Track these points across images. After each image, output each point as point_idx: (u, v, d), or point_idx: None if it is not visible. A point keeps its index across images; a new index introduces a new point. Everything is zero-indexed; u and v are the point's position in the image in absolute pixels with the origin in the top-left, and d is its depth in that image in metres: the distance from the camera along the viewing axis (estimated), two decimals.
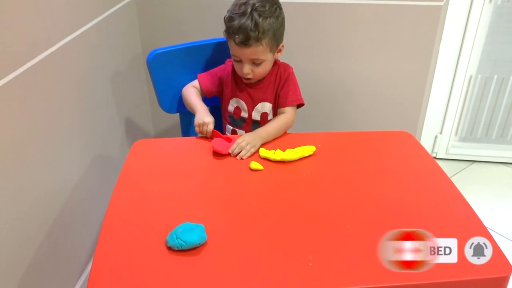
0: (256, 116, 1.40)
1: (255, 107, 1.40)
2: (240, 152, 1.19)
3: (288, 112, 1.36)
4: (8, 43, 1.04)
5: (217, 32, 1.42)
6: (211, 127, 1.25)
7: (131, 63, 1.81)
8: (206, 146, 1.22)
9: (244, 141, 1.20)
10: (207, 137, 1.26)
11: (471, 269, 0.84)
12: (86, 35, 1.41)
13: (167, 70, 1.45)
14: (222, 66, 1.44)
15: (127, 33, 1.76)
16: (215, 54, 1.52)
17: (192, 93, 1.40)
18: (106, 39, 1.57)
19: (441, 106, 2.17)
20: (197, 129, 1.27)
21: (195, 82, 1.43)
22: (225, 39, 1.35)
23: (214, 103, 1.51)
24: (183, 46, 1.48)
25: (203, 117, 1.27)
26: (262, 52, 1.28)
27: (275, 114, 1.41)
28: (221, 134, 1.25)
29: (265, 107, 1.40)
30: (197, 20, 1.77)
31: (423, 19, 1.67)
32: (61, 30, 1.28)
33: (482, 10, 1.93)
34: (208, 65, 1.52)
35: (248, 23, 1.24)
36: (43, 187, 1.22)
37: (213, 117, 1.28)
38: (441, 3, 1.64)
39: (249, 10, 1.25)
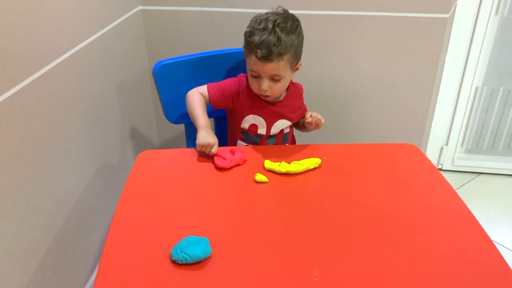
0: (274, 132, 1.38)
1: (275, 124, 1.36)
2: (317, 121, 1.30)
3: None
4: (15, 54, 1.05)
5: (223, 44, 1.43)
6: (216, 149, 1.20)
7: (137, 74, 1.82)
8: (211, 158, 1.21)
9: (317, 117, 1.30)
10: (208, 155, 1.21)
11: (475, 286, 0.83)
12: (92, 46, 1.42)
13: (173, 81, 1.45)
14: (234, 80, 1.37)
15: (133, 44, 1.77)
16: (221, 65, 1.52)
17: (197, 101, 1.31)
18: (113, 50, 1.58)
19: (447, 118, 2.17)
20: (199, 148, 1.21)
21: (203, 89, 1.34)
22: (231, 50, 1.34)
23: (219, 114, 1.49)
24: (189, 57, 1.48)
25: (207, 137, 1.21)
26: (283, 68, 1.24)
27: (291, 130, 1.42)
28: (222, 155, 1.21)
29: (285, 124, 1.38)
30: (203, 31, 1.78)
31: (429, 31, 1.67)
32: (68, 41, 1.28)
33: (488, 21, 1.92)
34: (214, 76, 1.51)
35: (271, 38, 1.19)
36: (48, 196, 1.23)
37: (216, 137, 1.23)
38: (447, 15, 1.64)
39: (270, 25, 1.20)
